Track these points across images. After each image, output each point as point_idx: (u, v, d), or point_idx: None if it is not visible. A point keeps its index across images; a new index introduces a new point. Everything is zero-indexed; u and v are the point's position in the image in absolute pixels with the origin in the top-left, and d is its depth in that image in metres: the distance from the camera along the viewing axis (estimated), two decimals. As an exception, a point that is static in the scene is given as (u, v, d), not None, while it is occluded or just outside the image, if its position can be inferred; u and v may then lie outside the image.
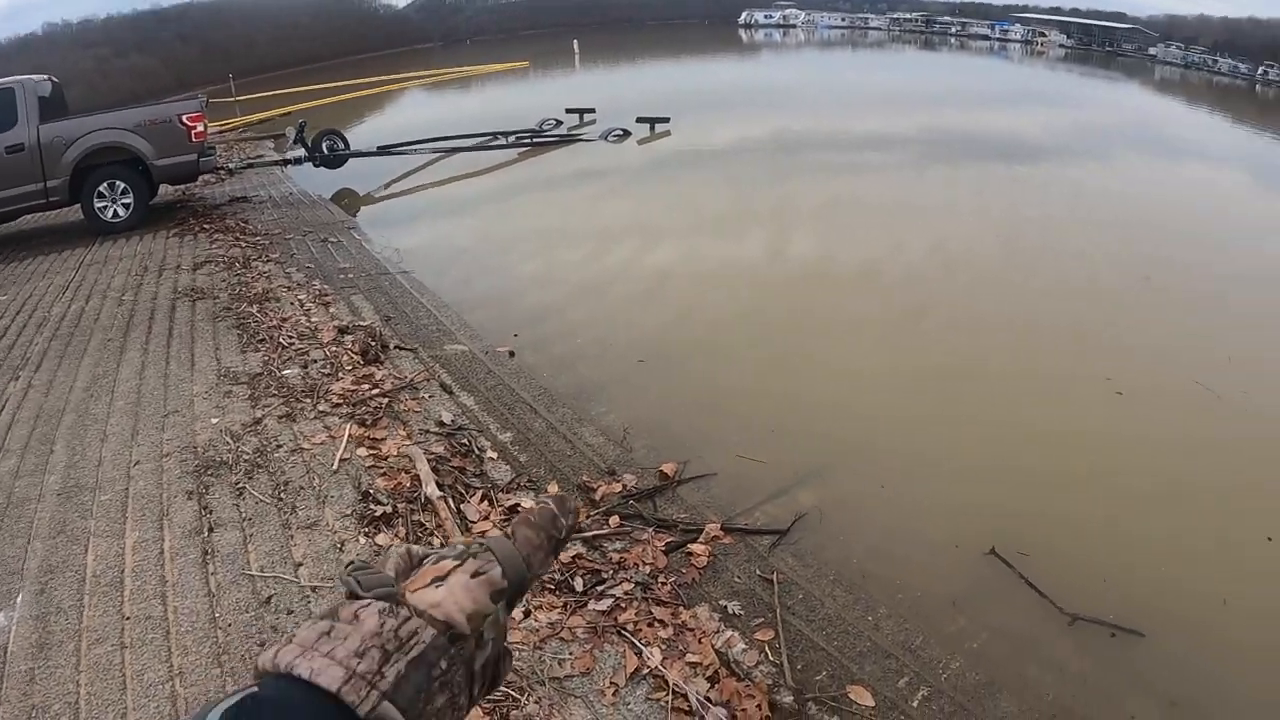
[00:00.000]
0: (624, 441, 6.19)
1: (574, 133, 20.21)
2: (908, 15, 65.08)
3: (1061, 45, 63.09)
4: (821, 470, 6.01)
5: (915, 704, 4.18)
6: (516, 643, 4.14)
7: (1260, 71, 53.29)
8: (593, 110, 22.16)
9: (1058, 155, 19.35)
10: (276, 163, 17.85)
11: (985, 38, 63.31)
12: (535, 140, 19.08)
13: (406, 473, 5.57)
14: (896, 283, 10.26)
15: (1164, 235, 13.37)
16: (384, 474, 5.59)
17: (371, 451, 5.87)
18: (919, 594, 4.93)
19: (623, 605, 4.50)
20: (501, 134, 18.66)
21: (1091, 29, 64.32)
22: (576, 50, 41.36)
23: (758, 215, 13.49)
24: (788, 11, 62.82)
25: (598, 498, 5.43)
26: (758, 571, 4.86)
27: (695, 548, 4.97)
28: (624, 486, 5.55)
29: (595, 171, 16.83)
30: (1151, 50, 61.19)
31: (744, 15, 61.72)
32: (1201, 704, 4.75)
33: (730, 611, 4.55)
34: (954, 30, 64.48)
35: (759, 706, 3.88)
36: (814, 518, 5.45)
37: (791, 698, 4.00)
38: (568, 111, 21.73)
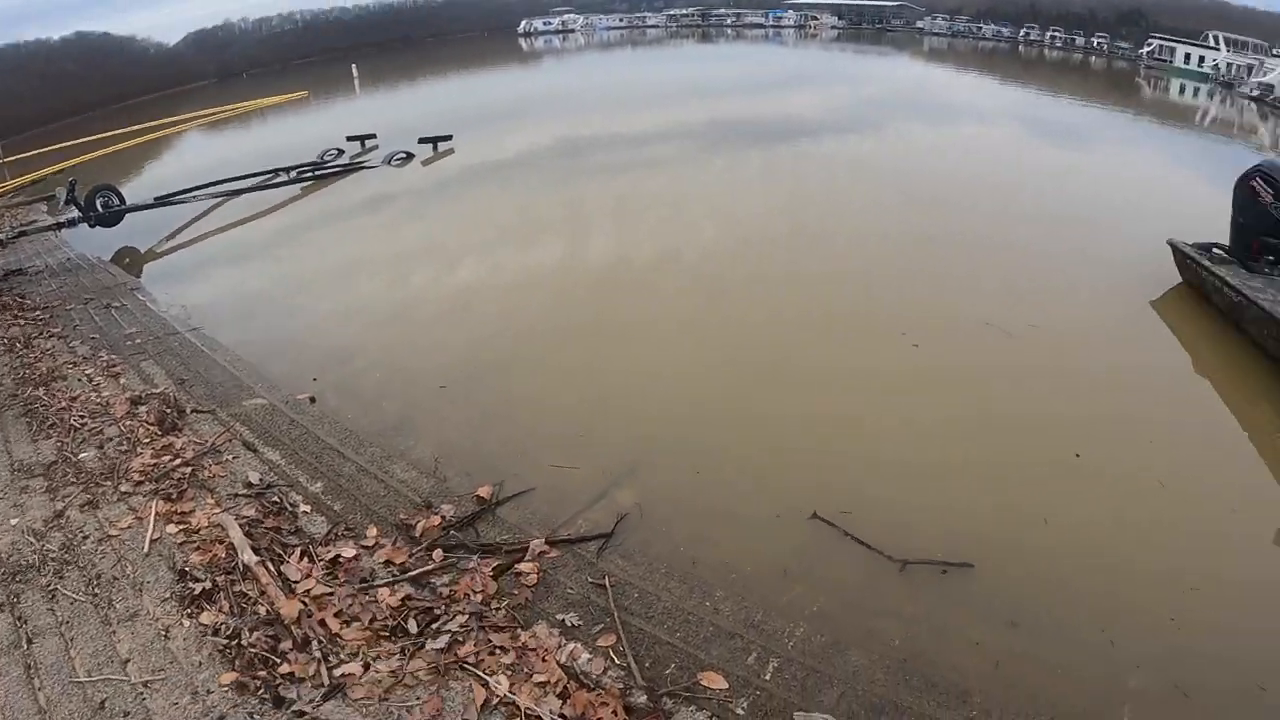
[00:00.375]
0: (437, 472, 5.95)
1: (357, 161, 19.61)
2: (684, 10, 66.26)
3: (834, 27, 65.45)
4: (636, 467, 5.95)
5: (768, 677, 4.16)
6: (360, 699, 3.93)
7: (1022, 33, 56.92)
8: (374, 136, 21.58)
9: (836, 130, 20.11)
10: (50, 227, 16.65)
11: (760, 26, 65.02)
12: (318, 173, 18.38)
13: (220, 543, 5.21)
14: (691, 272, 10.36)
15: (943, 192, 14.25)
16: (197, 548, 5.21)
17: (181, 526, 5.48)
18: (751, 570, 4.93)
19: (460, 639, 4.33)
20: (283, 170, 17.90)
21: (863, 9, 67.19)
22: (355, 75, 40.40)
23: (550, 222, 13.33)
24: (566, 17, 63.04)
25: (418, 534, 5.20)
26: (589, 579, 4.75)
27: (524, 567, 4.82)
28: (443, 518, 5.33)
29: (383, 198, 16.31)
30: (919, 24, 64.13)
31: (523, 24, 61.55)
32: (1038, 618, 4.99)
33: (569, 624, 4.42)
34: (730, 21, 66.05)
35: (614, 713, 3.82)
36: (636, 515, 5.38)
37: (645, 697, 3.94)
38: (349, 139, 21.09)
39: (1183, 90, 41.52)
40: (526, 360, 8.05)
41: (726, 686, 4.07)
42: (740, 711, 3.98)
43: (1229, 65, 41.13)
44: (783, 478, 5.85)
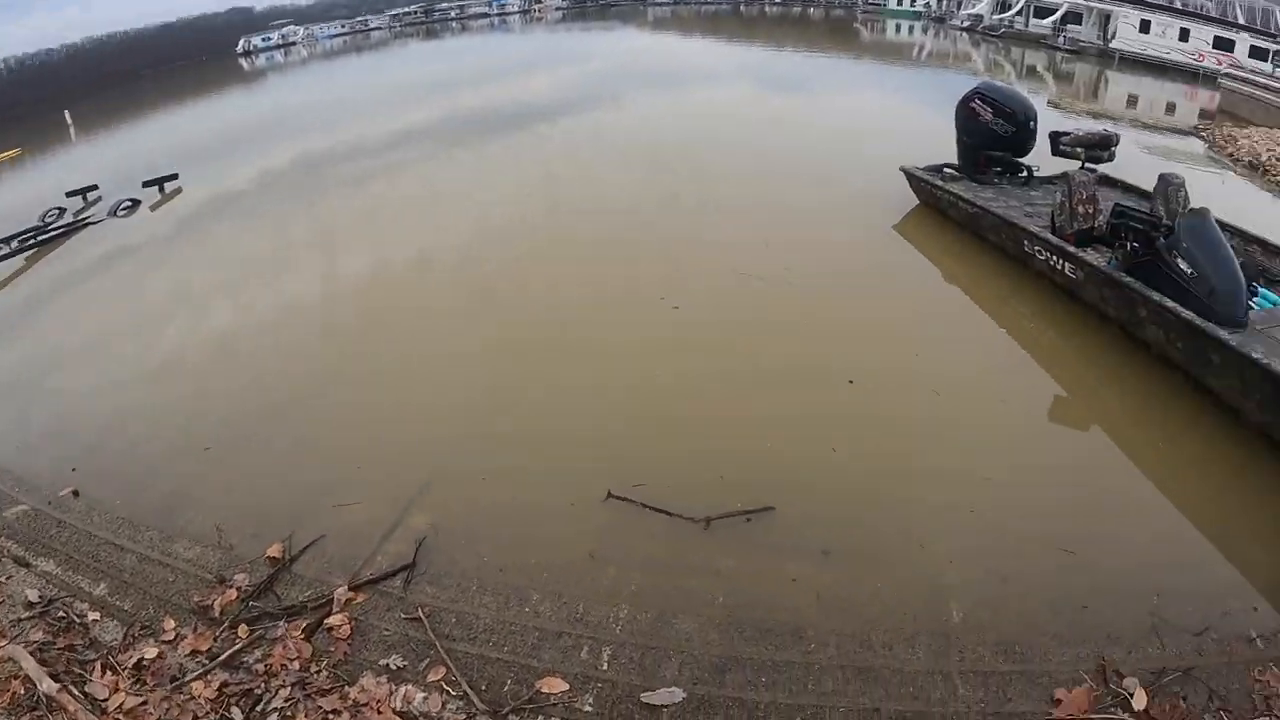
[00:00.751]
0: (221, 541, 5.54)
1: (80, 218, 17.97)
2: (406, 9, 64.70)
3: (559, 8, 65.38)
4: (422, 488, 5.70)
5: (605, 667, 4.14)
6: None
7: None
8: (95, 187, 19.87)
9: (573, 109, 20.00)
10: None
11: (485, 15, 64.15)
12: (41, 238, 16.91)
13: (15, 678, 4.75)
14: (451, 271, 10.02)
15: (686, 155, 14.52)
16: (-10, 690, 4.75)
17: (-34, 673, 4.99)
18: (561, 563, 4.86)
19: (289, 714, 4.09)
20: (1, 243, 16.45)
21: None
22: (70, 121, 37.75)
23: (299, 245, 12.45)
24: (285, 30, 60.47)
25: (218, 613, 4.87)
26: (403, 615, 4.57)
27: (333, 620, 4.58)
28: (239, 589, 5.00)
29: (116, 253, 14.96)
30: None
31: (241, 43, 58.62)
32: (847, 542, 5.18)
33: (394, 667, 4.26)
34: (454, 15, 64.94)
35: (464, 745, 3.69)
36: (434, 536, 5.19)
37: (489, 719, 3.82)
38: (69, 195, 19.44)
39: (899, 29, 44.17)
40: (293, 401, 7.44)
41: (567, 687, 4.04)
42: (588, 709, 3.96)
43: (939, 1, 43.97)
44: (571, 462, 5.79)
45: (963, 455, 6.33)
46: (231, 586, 5.03)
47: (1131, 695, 4.39)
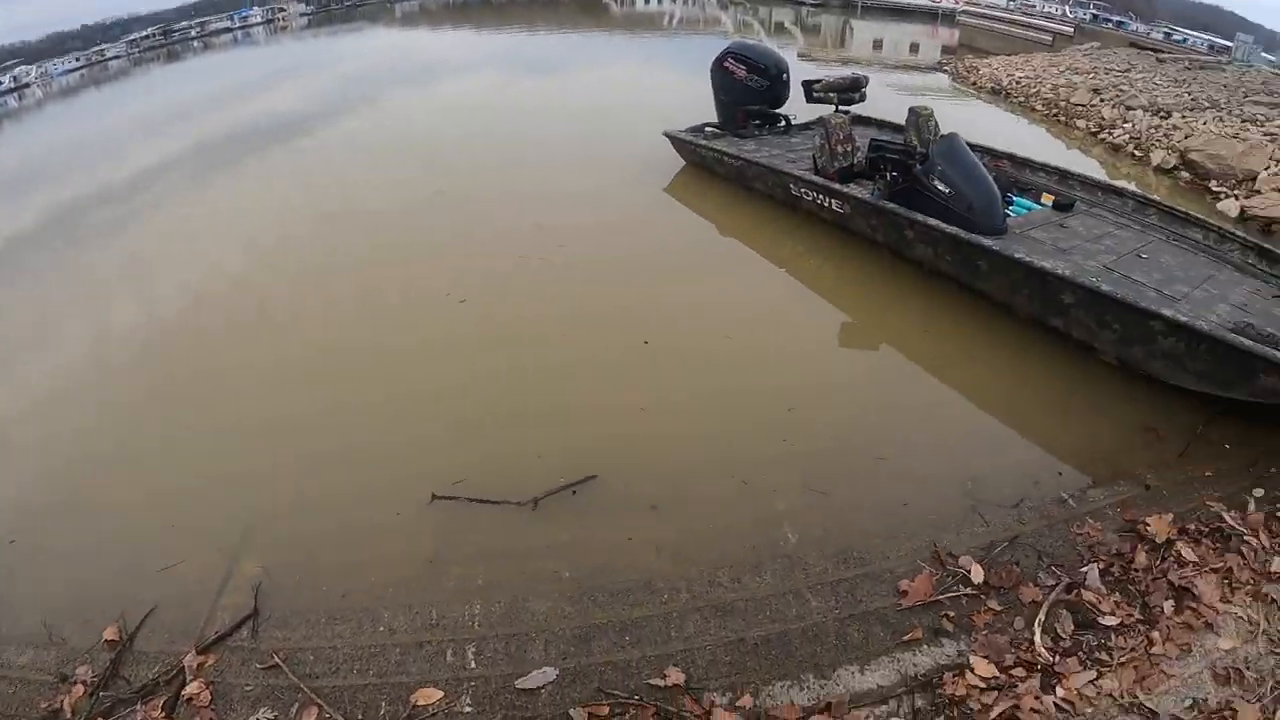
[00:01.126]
0: (53, 638, 5.22)
1: None
2: (143, 33, 61.44)
3: (303, 14, 63.65)
4: (244, 532, 5.39)
5: (474, 665, 4.19)
6: None
7: None
8: None
9: (326, 116, 19.18)
10: None
11: (228, 30, 61.83)
12: None
13: None
14: (224, 300, 9.07)
15: (450, 148, 14.48)
16: None
17: None
18: (403, 576, 4.81)
19: (170, 795, 3.97)
20: None
21: None
22: None
23: (56, 310, 11.51)
24: (16, 71, 56.33)
25: (69, 714, 4.65)
26: (259, 665, 4.44)
27: (190, 689, 4.42)
28: (85, 684, 4.78)
29: None
30: None
31: None
32: (673, 493, 5.40)
33: None
34: (195, 34, 62.23)
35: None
36: (270, 580, 4.95)
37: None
38: None
39: (648, 0, 44.73)
40: (88, 468, 6.98)
41: (442, 694, 4.05)
42: (467, 709, 3.98)
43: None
44: (388, 474, 5.69)
45: (765, 391, 6.66)
46: (76, 682, 4.78)
47: (969, 571, 4.77)
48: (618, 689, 3.98)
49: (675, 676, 3.99)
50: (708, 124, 12.62)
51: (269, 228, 11.25)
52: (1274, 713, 4.16)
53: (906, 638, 4.32)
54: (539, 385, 6.67)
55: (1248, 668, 4.42)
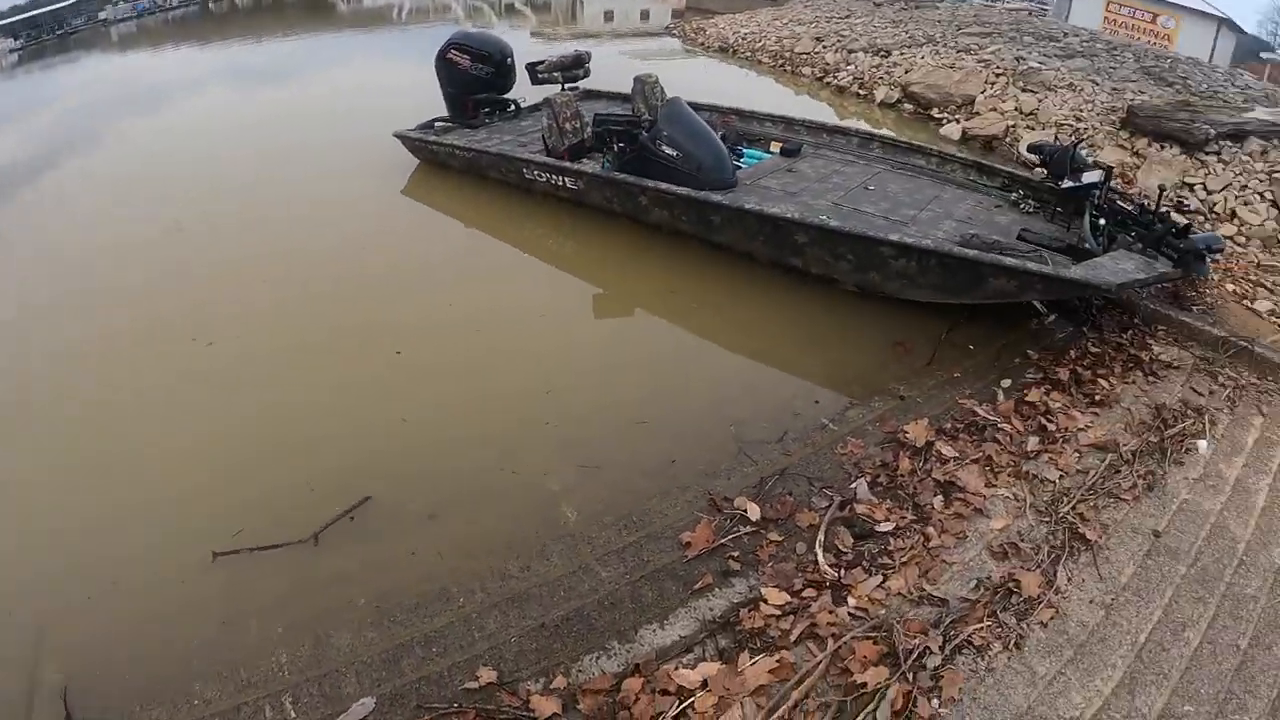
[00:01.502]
0: None
1: None
2: None
3: (12, 50, 59.17)
4: (36, 637, 4.89)
5: (294, 714, 4.10)
6: None
7: None
8: None
9: (29, 163, 17.07)
10: None
11: None
12: None
13: None
14: None
15: (182, 177, 13.11)
16: None
17: None
18: (202, 643, 4.59)
19: None
20: None
21: (37, 20, 60.80)
22: None
23: None
24: None
25: None
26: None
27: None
28: None
29: None
30: (102, 15, 59.88)
31: None
32: (450, 499, 5.49)
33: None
34: None
35: None
36: (75, 685, 4.45)
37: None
38: None
39: None
40: None
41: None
42: (299, 767, 3.95)
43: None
44: (160, 538, 5.38)
45: (522, 378, 6.85)
46: None
47: (745, 510, 5.09)
48: (436, 701, 4.03)
49: (488, 675, 4.08)
50: (437, 119, 12.54)
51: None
52: (1054, 574, 4.63)
53: (698, 586, 4.56)
54: (300, 416, 6.51)
55: (1022, 540, 4.92)
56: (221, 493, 5.68)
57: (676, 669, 4.03)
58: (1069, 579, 4.66)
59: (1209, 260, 6.84)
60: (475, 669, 4.14)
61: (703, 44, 24.78)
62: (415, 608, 4.57)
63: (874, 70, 18.36)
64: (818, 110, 16.64)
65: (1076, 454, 5.77)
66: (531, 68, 12.22)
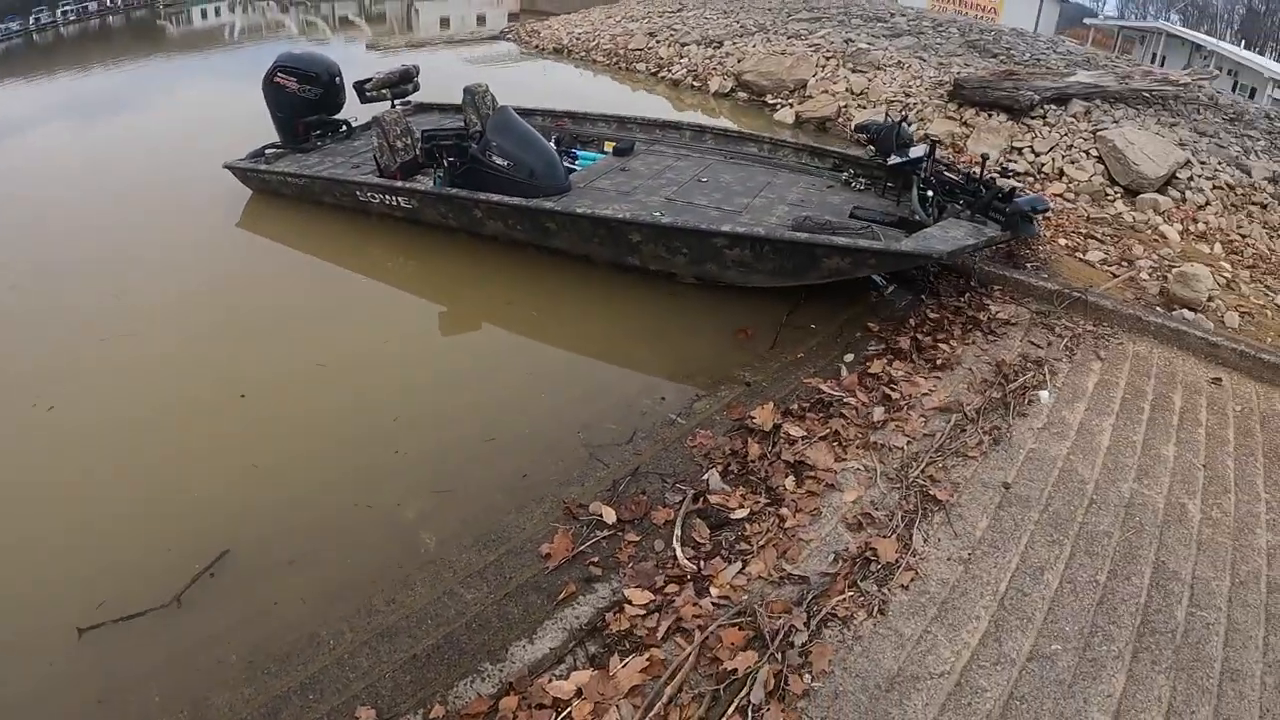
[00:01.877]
0: None
1: None
2: None
3: None
4: None
5: None
6: None
7: (33, 21, 51.35)
8: None
9: None
10: None
11: None
12: None
13: None
14: None
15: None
16: None
17: None
18: None
19: None
20: None
21: None
22: None
23: None
24: None
25: None
26: None
27: None
28: None
29: None
30: None
31: None
32: (306, 542, 5.44)
33: None
34: None
35: None
36: None
37: None
38: None
39: (205, 14, 42.74)
40: None
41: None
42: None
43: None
44: (16, 618, 5.12)
45: (368, 408, 6.80)
46: None
47: (601, 515, 5.27)
48: (319, 748, 4.03)
49: (366, 715, 4.12)
50: (268, 145, 12.13)
51: None
52: (909, 538, 4.93)
53: (562, 596, 4.70)
54: (148, 476, 6.22)
55: (875, 509, 5.22)
56: (79, 564, 5.46)
57: (550, 681, 4.13)
58: (925, 540, 4.99)
59: (1037, 220, 7.26)
60: (354, 710, 4.17)
61: (538, 46, 25.02)
62: (287, 657, 4.57)
63: (707, 62, 18.86)
64: (655, 105, 16.97)
65: (922, 419, 6.15)
66: (359, 86, 11.89)
